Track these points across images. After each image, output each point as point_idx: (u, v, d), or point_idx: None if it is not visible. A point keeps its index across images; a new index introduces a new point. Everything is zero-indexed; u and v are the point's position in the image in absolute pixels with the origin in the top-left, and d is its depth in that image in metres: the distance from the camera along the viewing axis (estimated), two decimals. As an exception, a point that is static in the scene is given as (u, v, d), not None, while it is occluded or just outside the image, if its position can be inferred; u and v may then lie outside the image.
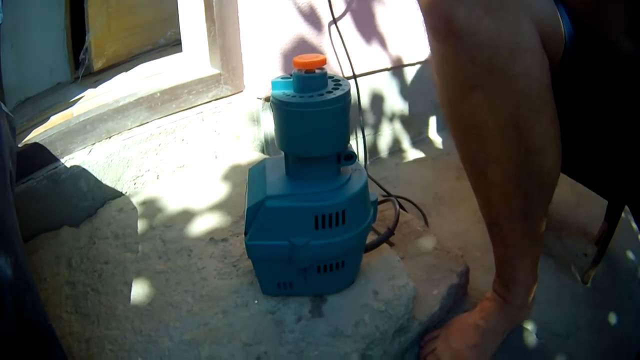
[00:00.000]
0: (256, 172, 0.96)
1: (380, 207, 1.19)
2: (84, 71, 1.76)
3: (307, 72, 0.83)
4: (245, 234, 0.89)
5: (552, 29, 0.82)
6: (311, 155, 0.85)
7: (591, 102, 0.91)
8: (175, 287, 1.01)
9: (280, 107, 0.82)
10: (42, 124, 1.33)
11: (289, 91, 0.84)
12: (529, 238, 0.98)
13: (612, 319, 1.28)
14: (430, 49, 0.87)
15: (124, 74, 1.75)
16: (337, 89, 0.83)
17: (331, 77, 0.87)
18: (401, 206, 1.32)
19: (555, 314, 1.22)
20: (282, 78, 0.87)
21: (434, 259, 1.19)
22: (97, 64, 1.81)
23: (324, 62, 0.82)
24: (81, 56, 1.76)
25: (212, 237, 1.14)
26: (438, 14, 0.78)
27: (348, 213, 0.87)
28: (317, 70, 0.84)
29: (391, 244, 1.19)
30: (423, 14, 0.82)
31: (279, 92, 0.84)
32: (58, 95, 1.62)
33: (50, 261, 1.11)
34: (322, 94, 0.82)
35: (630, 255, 1.45)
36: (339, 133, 0.85)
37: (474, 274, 1.18)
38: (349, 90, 0.83)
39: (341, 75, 1.60)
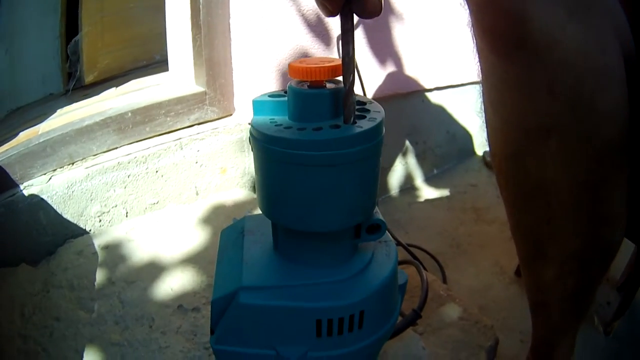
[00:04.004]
0: (230, 238, 0.56)
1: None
2: (75, 84, 1.56)
3: (312, 85, 0.43)
4: (212, 331, 0.51)
5: (629, 50, 0.55)
6: (316, 230, 0.45)
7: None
8: (131, 367, 0.76)
9: (265, 146, 0.42)
10: (11, 139, 1.09)
11: (281, 118, 0.44)
12: (578, 317, 0.75)
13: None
14: (483, 67, 0.58)
15: (113, 89, 1.48)
16: (364, 117, 0.43)
17: None
18: (424, 267, 0.96)
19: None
20: (270, 96, 0.47)
21: (460, 332, 0.91)
22: (89, 77, 1.61)
23: (340, 69, 0.43)
24: (68, 67, 1.56)
25: (181, 305, 0.85)
26: (503, 10, 0.49)
27: (368, 315, 0.48)
28: (328, 85, 0.44)
29: (415, 324, 0.84)
30: (474, 10, 0.53)
31: (264, 120, 0.44)
32: (46, 107, 1.40)
33: (6, 304, 0.91)
34: (337, 126, 0.42)
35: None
36: (363, 193, 0.45)
37: (498, 337, 0.94)
38: (383, 121, 0.44)
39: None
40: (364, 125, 0.41)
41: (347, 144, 0.40)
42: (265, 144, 0.42)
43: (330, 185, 0.42)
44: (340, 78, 0.44)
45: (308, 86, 0.43)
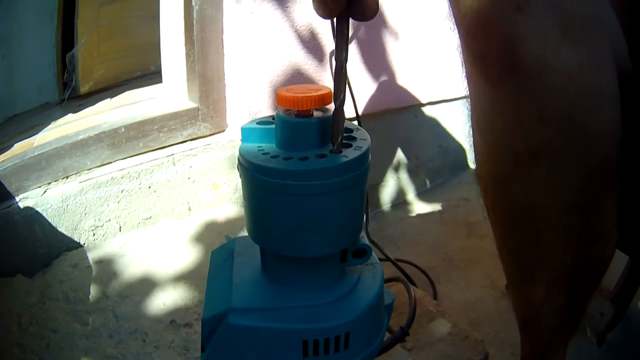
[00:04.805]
0: (220, 259, 0.57)
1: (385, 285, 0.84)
2: (71, 93, 1.55)
3: (299, 114, 0.44)
4: (202, 349, 0.52)
5: (625, 67, 0.52)
6: (302, 255, 0.46)
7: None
8: (125, 381, 0.78)
9: (252, 175, 0.43)
10: (7, 151, 1.09)
11: (268, 146, 0.45)
12: (568, 332, 0.70)
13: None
14: (473, 93, 0.56)
15: (108, 101, 1.46)
16: (350, 145, 0.44)
17: None
18: (413, 283, 0.96)
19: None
20: (258, 123, 0.47)
21: (450, 346, 0.90)
22: (84, 87, 1.59)
23: (328, 98, 0.43)
24: (65, 77, 1.55)
25: (174, 320, 0.86)
26: (493, 35, 0.47)
27: (354, 335, 0.49)
28: (315, 113, 0.45)
29: (404, 340, 0.83)
30: (464, 35, 0.51)
31: (251, 148, 0.45)
32: (42, 117, 1.40)
33: (4, 313, 0.92)
34: (324, 155, 0.42)
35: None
36: (349, 220, 0.45)
37: (489, 351, 0.93)
38: (369, 149, 0.44)
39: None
40: (350, 154, 0.42)
41: (332, 173, 0.41)
42: (252, 172, 0.42)
43: (316, 213, 0.42)
44: (328, 105, 0.45)
45: (295, 114, 0.44)
